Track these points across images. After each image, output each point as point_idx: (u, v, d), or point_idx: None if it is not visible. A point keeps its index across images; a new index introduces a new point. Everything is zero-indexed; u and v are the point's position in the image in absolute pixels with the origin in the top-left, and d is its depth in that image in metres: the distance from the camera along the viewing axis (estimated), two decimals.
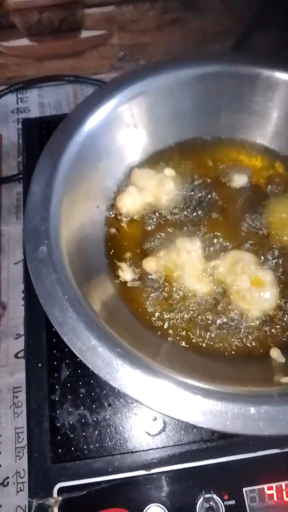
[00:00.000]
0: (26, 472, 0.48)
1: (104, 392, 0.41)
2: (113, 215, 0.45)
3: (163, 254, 0.42)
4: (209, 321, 0.40)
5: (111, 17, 0.62)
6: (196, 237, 0.43)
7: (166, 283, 0.42)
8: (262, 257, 0.42)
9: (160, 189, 0.45)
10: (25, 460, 0.48)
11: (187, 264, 0.42)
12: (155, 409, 0.30)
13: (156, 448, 0.40)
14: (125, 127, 0.44)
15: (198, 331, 0.39)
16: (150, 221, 0.45)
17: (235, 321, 0.40)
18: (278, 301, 0.40)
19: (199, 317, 0.40)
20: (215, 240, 0.44)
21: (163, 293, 0.41)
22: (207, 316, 0.40)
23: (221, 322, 0.40)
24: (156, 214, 0.45)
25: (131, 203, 0.45)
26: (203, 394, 0.30)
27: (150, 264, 0.42)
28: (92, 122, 0.41)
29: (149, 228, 0.45)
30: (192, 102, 0.45)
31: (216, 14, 0.61)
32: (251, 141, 0.48)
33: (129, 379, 0.30)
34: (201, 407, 0.29)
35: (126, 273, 0.42)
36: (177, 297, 0.41)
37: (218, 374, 0.35)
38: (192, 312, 0.40)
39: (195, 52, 0.61)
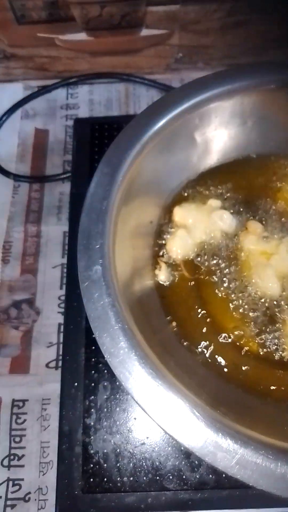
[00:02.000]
0: (48, 489, 0.46)
1: (143, 423, 0.39)
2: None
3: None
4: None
5: (175, 16, 0.58)
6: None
7: None
8: None
9: (213, 224, 0.41)
10: (49, 477, 0.47)
11: None
12: (209, 462, 0.27)
13: (193, 489, 0.37)
14: (190, 137, 0.41)
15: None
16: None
17: None
18: None
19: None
20: None
21: None
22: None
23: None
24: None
25: (183, 248, 0.41)
26: (258, 449, 0.27)
27: None
28: (158, 128, 0.38)
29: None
30: (261, 114, 0.41)
31: (284, 18, 0.56)
32: None
33: (181, 425, 0.28)
34: (255, 465, 0.26)
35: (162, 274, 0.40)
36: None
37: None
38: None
39: (266, 61, 0.57)
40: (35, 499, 0.46)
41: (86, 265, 0.33)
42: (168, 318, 0.39)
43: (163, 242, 0.42)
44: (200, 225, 0.41)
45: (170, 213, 0.43)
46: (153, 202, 0.41)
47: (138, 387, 0.29)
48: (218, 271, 0.40)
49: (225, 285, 0.40)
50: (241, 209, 0.43)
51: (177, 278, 0.41)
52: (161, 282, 0.41)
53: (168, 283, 0.41)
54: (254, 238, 0.40)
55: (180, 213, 0.42)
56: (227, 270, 0.40)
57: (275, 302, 0.39)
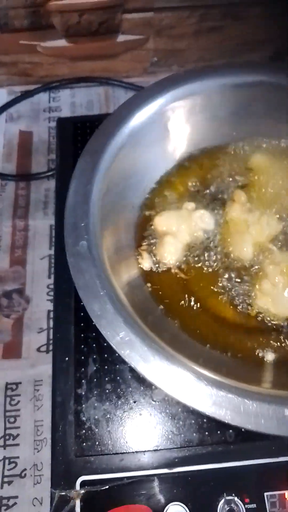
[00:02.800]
0: (43, 465, 0.49)
1: (130, 389, 0.42)
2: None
3: None
4: None
5: (149, 22, 0.63)
6: None
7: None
8: None
9: (195, 226, 0.44)
10: (43, 453, 0.49)
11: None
12: (190, 404, 0.30)
13: (179, 448, 0.40)
14: (165, 129, 0.45)
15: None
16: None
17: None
18: None
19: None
20: None
21: None
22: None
23: None
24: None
25: (174, 254, 0.43)
26: (239, 394, 0.30)
27: None
28: (134, 122, 0.42)
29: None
30: (231, 108, 0.46)
31: (256, 23, 0.61)
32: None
33: (165, 374, 0.31)
34: (236, 407, 0.30)
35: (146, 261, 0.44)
36: None
37: (251, 377, 0.35)
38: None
39: (238, 61, 0.62)
40: (31, 475, 0.48)
41: (73, 242, 0.36)
42: (148, 284, 0.43)
43: (147, 228, 0.46)
44: (183, 229, 0.44)
45: (149, 220, 0.46)
46: (134, 186, 0.45)
47: (124, 344, 0.32)
48: (207, 262, 0.44)
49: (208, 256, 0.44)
50: (215, 203, 0.46)
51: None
52: (145, 269, 0.43)
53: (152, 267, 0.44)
54: (238, 207, 0.44)
55: (161, 223, 0.44)
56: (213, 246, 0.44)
57: (246, 265, 0.43)
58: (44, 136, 0.69)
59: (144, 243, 0.45)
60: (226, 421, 0.30)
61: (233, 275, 0.43)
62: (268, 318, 0.41)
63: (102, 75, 0.72)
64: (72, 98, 0.72)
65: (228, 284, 0.43)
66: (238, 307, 0.42)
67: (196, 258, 0.44)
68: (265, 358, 0.39)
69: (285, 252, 0.43)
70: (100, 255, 0.36)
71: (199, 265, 0.44)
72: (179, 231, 0.44)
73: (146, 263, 0.44)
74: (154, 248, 0.44)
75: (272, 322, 0.41)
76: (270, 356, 0.39)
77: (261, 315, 0.41)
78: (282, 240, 0.44)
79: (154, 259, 0.44)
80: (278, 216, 0.44)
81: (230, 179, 0.47)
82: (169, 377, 0.31)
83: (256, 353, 0.39)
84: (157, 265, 0.44)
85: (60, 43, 0.67)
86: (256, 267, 0.43)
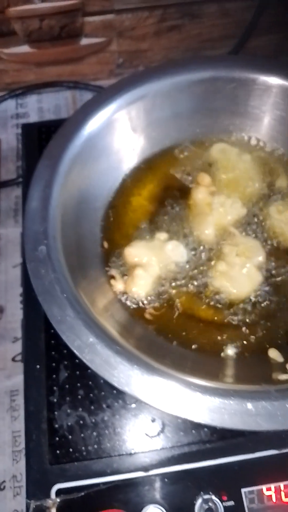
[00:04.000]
0: (23, 476, 0.48)
1: (103, 393, 0.41)
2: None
3: None
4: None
5: (111, 24, 0.63)
6: None
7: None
8: None
9: (167, 258, 0.43)
10: (22, 464, 0.48)
11: None
12: (153, 405, 0.30)
13: (154, 450, 0.39)
14: (124, 131, 0.44)
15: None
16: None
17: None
18: None
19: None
20: None
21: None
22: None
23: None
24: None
25: (144, 287, 0.41)
26: (201, 391, 0.30)
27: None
28: (91, 126, 0.42)
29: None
30: (189, 105, 0.46)
31: (213, 21, 0.62)
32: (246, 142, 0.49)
33: (127, 376, 0.31)
34: (199, 404, 0.30)
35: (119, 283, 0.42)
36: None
37: (215, 372, 0.35)
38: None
39: (192, 57, 0.63)
40: (10, 487, 0.48)
41: (32, 247, 0.36)
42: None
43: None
44: (154, 261, 0.42)
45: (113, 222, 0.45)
46: (95, 190, 0.44)
47: (85, 348, 0.31)
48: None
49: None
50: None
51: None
52: (118, 291, 0.42)
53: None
54: (202, 189, 0.44)
55: (132, 254, 0.42)
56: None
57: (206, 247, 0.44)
58: (13, 143, 0.69)
59: (111, 263, 0.43)
60: (191, 419, 0.29)
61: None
62: (224, 300, 0.41)
63: (69, 79, 0.72)
64: (39, 104, 0.71)
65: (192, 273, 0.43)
66: (200, 293, 0.42)
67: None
68: (226, 353, 0.39)
69: (245, 237, 0.43)
70: (60, 260, 0.35)
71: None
72: (150, 263, 0.42)
73: (120, 285, 0.42)
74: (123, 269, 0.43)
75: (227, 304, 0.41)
76: (231, 351, 0.39)
77: (217, 296, 0.41)
78: (245, 224, 0.45)
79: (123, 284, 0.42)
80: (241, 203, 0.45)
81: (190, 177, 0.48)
82: (134, 379, 0.31)
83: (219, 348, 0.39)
84: (125, 297, 0.42)
85: (23, 49, 0.67)
86: (215, 250, 0.43)
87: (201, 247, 0.44)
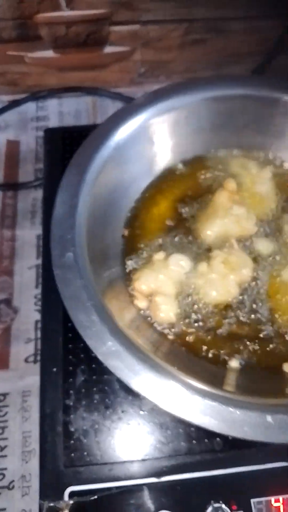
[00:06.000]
0: (31, 476, 0.48)
1: (118, 399, 0.42)
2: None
3: None
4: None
5: (136, 34, 0.64)
6: None
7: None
8: None
9: (176, 274, 0.43)
10: (31, 465, 0.49)
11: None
12: (175, 414, 0.31)
13: (167, 456, 0.40)
14: (150, 141, 0.45)
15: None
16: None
17: None
18: None
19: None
20: None
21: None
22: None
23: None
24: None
25: (167, 312, 0.41)
26: (222, 402, 0.31)
27: None
28: (120, 135, 0.43)
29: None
30: (214, 120, 0.47)
31: (239, 37, 0.63)
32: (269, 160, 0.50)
33: (150, 383, 0.31)
34: (221, 415, 0.30)
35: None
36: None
37: (234, 384, 0.36)
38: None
39: (220, 75, 0.64)
40: (19, 487, 0.48)
41: (60, 253, 0.37)
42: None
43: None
44: (165, 281, 0.42)
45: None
46: (119, 199, 0.45)
47: (110, 355, 0.32)
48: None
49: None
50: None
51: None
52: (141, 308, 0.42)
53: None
54: (226, 194, 0.45)
55: (143, 285, 0.42)
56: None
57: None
58: (32, 146, 0.69)
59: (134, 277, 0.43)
60: (211, 429, 0.30)
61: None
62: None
63: (90, 85, 0.73)
64: (59, 108, 0.72)
65: None
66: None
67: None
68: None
69: (241, 252, 0.44)
70: (86, 267, 0.36)
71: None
72: (164, 286, 0.42)
73: (143, 303, 0.42)
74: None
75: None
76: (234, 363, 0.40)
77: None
78: (248, 241, 0.46)
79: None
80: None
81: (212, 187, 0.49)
82: (155, 387, 0.31)
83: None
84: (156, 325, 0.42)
85: (47, 53, 0.68)
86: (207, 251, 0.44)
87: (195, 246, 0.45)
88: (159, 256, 0.44)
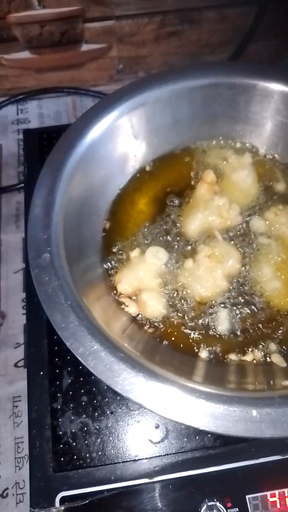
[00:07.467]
0: (25, 483, 0.48)
1: (106, 400, 0.41)
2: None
3: None
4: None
5: (111, 30, 0.63)
6: None
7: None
8: None
9: (154, 266, 0.42)
10: (25, 471, 0.48)
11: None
12: (157, 412, 0.30)
13: (158, 456, 0.39)
14: (125, 137, 0.44)
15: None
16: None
17: None
18: None
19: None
20: None
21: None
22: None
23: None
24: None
25: (155, 306, 0.41)
26: (205, 398, 0.30)
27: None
28: (93, 133, 0.42)
29: None
30: (189, 111, 0.46)
31: (213, 26, 0.62)
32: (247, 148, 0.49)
33: (131, 382, 0.30)
34: (203, 411, 0.30)
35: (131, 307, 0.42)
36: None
37: (219, 379, 0.35)
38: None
39: (193, 63, 0.63)
40: (13, 494, 0.47)
41: (36, 254, 0.36)
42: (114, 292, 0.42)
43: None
44: (146, 276, 0.42)
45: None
46: (96, 196, 0.44)
47: (89, 355, 0.31)
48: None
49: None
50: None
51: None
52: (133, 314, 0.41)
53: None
54: (205, 186, 0.44)
55: (125, 285, 0.41)
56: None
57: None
58: (14, 149, 0.69)
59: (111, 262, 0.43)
60: (195, 426, 0.29)
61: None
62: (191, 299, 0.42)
63: (69, 85, 0.72)
64: (40, 109, 0.72)
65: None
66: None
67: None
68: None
69: (226, 244, 0.43)
70: (63, 267, 0.35)
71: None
72: (147, 282, 0.42)
73: (133, 308, 0.41)
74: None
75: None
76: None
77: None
78: (233, 231, 0.45)
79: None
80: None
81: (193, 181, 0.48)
82: (137, 386, 0.31)
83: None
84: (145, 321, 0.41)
85: (24, 55, 0.67)
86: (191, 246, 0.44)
87: (180, 243, 0.44)
88: (135, 253, 0.43)
